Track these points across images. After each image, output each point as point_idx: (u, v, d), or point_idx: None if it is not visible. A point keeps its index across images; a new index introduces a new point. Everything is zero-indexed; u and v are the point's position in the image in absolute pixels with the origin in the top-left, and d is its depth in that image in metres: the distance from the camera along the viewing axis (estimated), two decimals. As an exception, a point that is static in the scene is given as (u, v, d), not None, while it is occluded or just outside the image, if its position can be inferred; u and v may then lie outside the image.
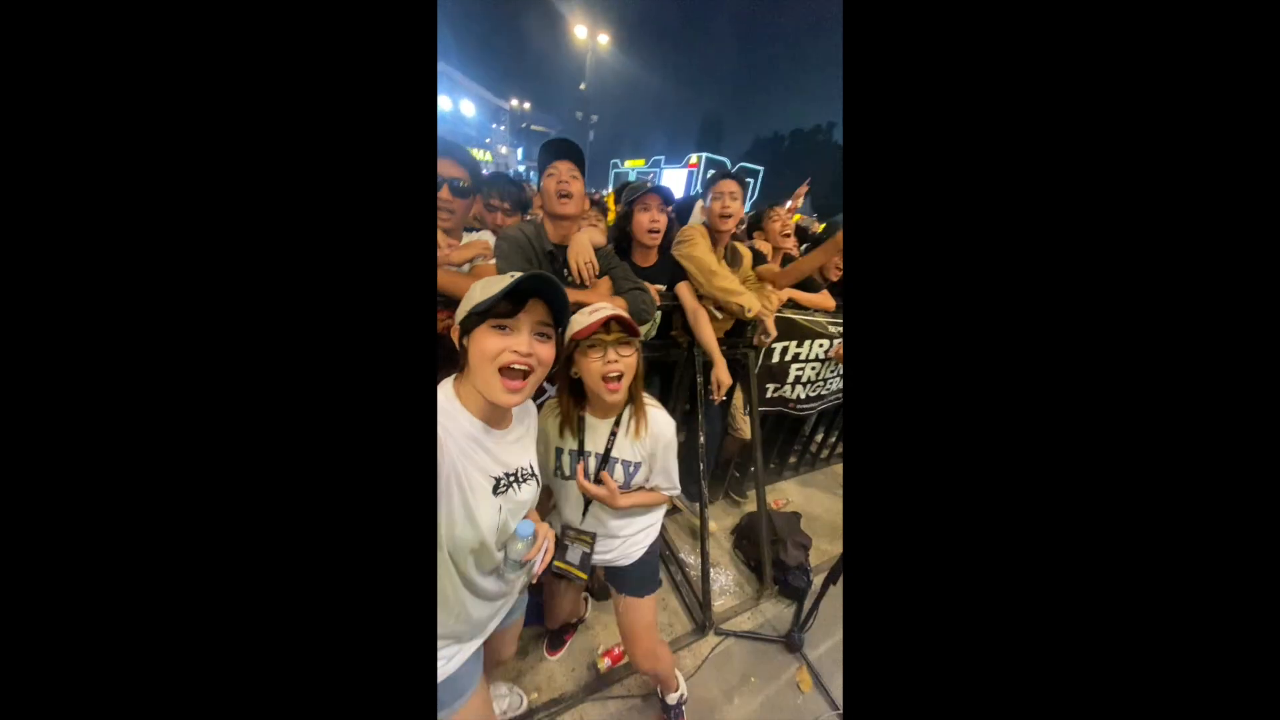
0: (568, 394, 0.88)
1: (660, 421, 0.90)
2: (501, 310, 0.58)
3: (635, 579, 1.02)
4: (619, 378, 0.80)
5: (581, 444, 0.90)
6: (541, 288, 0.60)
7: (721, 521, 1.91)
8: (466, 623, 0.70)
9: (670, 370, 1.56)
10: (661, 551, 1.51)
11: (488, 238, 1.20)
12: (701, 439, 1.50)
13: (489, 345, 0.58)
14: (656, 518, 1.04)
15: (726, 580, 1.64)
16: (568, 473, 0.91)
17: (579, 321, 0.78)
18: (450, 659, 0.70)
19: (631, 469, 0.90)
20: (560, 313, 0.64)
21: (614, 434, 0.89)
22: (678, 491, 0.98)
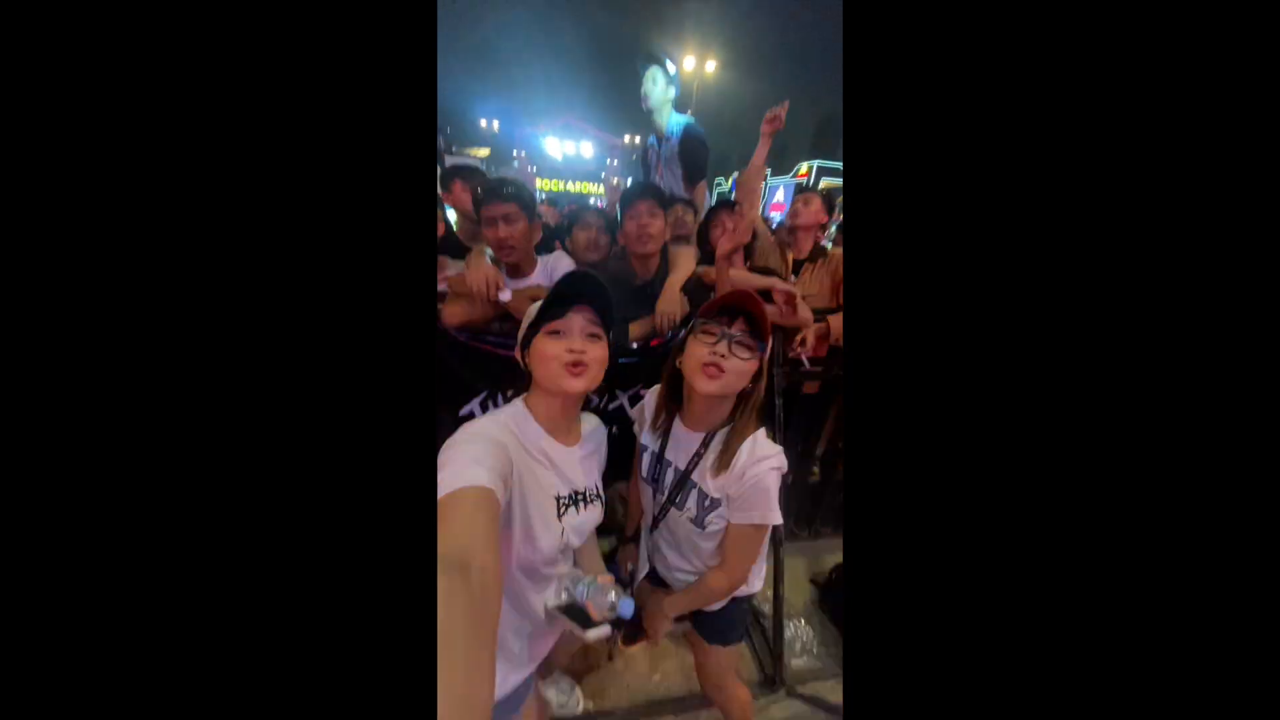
0: (666, 387, 0.81)
1: (745, 453, 0.72)
2: (553, 314, 0.64)
3: (718, 625, 0.90)
4: (722, 372, 0.68)
5: (664, 449, 0.82)
6: (585, 290, 0.64)
7: (813, 564, 1.69)
8: (517, 646, 0.69)
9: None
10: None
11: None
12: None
13: (547, 349, 0.63)
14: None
15: (808, 638, 1.44)
16: (644, 474, 0.86)
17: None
18: (502, 681, 0.67)
19: (706, 503, 0.76)
20: (606, 316, 0.67)
21: (699, 454, 0.77)
22: (776, 520, 0.72)
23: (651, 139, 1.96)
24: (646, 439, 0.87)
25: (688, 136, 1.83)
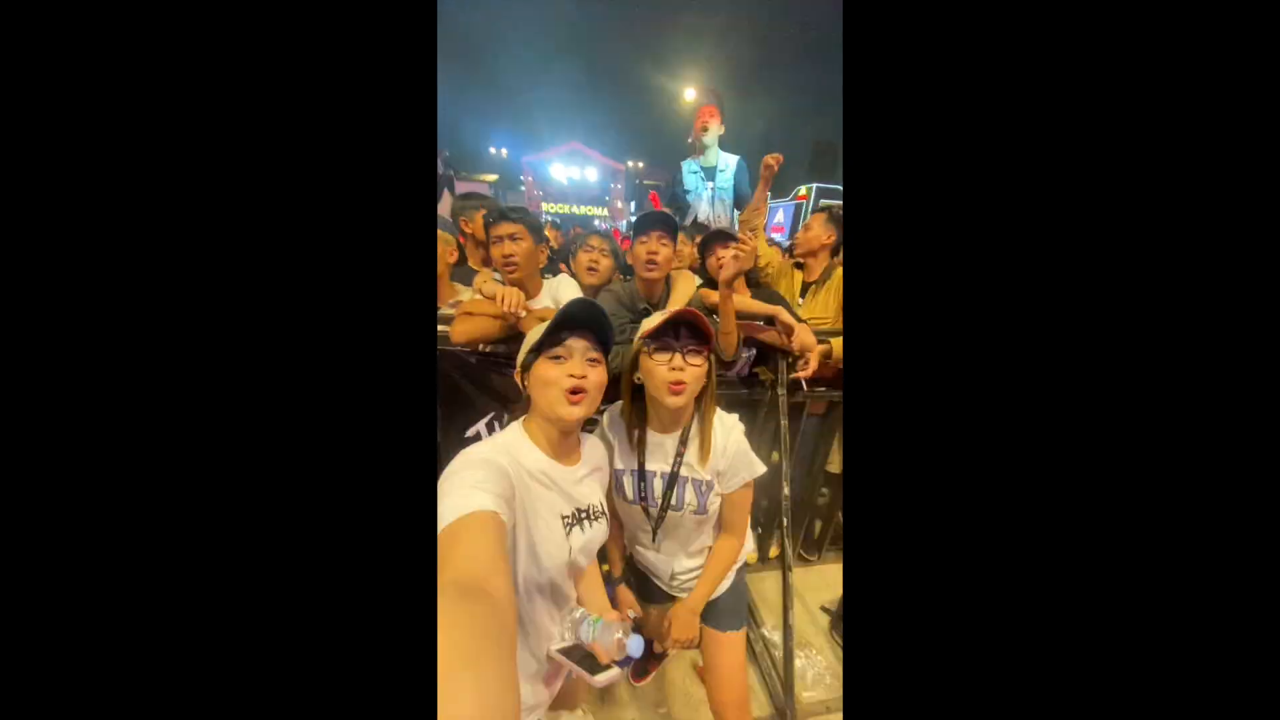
0: (630, 405, 0.84)
1: (721, 430, 0.82)
2: (554, 340, 0.65)
3: (721, 610, 0.93)
4: (685, 384, 0.75)
5: (643, 464, 0.85)
6: (587, 318, 0.66)
7: (820, 593, 1.63)
8: (524, 690, 0.64)
9: (754, 412, 1.46)
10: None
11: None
12: (786, 490, 1.34)
13: (547, 374, 0.65)
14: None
15: (820, 669, 1.37)
16: (629, 495, 0.88)
17: (649, 322, 0.78)
18: None
19: (703, 488, 0.83)
20: (605, 342, 0.69)
21: (680, 453, 0.83)
22: (761, 470, 0.84)
23: (693, 170, 2.19)
24: (620, 462, 0.89)
25: (741, 172, 2.12)
